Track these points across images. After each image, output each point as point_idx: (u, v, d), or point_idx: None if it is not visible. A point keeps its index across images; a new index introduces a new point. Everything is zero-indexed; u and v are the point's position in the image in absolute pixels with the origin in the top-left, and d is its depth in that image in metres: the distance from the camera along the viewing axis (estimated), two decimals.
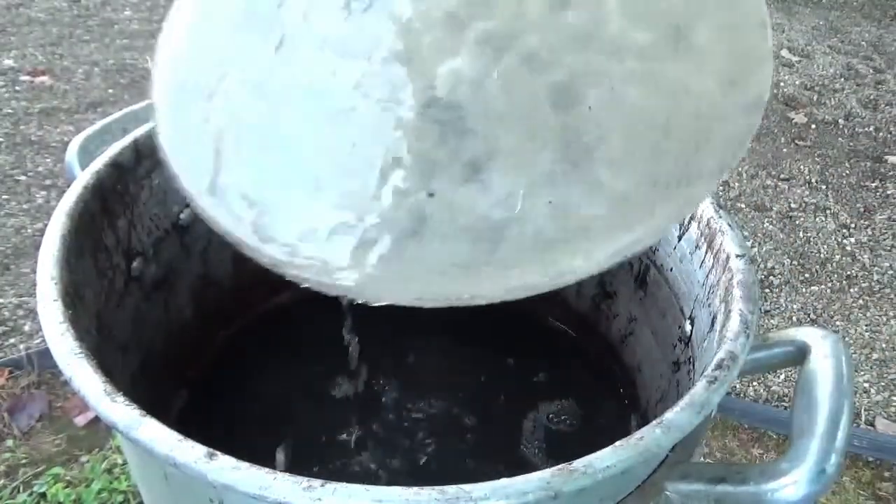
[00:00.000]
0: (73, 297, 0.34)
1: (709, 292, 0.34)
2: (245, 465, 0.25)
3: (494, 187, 0.34)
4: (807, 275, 1.68)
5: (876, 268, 1.72)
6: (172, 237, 0.49)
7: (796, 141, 2.23)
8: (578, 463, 0.25)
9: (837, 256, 1.75)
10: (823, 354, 0.31)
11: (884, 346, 1.50)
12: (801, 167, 2.09)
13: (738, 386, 1.38)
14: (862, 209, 1.93)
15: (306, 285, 0.33)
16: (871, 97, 2.54)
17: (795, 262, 1.72)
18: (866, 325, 1.55)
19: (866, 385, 1.40)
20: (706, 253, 0.37)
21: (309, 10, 0.39)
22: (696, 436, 0.32)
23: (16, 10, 2.66)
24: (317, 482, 0.24)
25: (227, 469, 0.25)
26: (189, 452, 0.26)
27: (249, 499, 0.25)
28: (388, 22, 0.38)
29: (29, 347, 1.32)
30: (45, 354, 1.32)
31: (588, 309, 0.58)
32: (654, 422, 0.27)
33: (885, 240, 1.82)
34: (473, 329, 0.53)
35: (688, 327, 0.37)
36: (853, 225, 1.87)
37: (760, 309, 0.33)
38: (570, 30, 0.37)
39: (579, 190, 0.33)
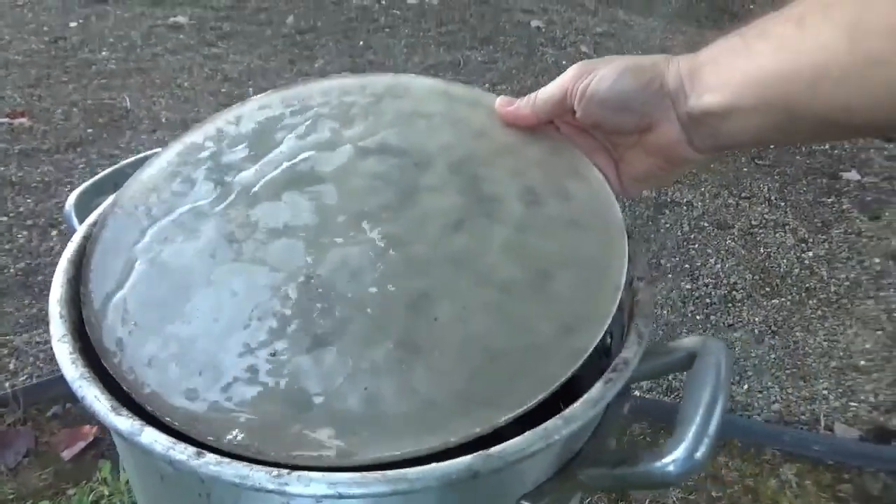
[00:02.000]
0: (80, 331, 0.39)
1: (619, 310, 0.40)
2: (227, 460, 0.31)
3: (326, 363, 0.38)
4: (767, 288, 1.76)
5: (833, 280, 1.80)
6: None
7: (756, 160, 2.33)
8: (494, 449, 0.31)
9: (797, 270, 1.83)
10: (707, 359, 0.37)
11: (841, 354, 1.57)
12: (761, 185, 2.19)
13: None
14: (819, 224, 2.02)
15: None
16: None
17: (757, 277, 1.80)
18: (824, 335, 1.62)
19: (825, 392, 1.47)
20: None
21: (255, 182, 0.47)
22: (604, 430, 0.38)
23: None
24: (284, 471, 0.30)
25: (212, 463, 0.30)
26: (182, 452, 0.31)
27: (231, 486, 0.30)
28: (313, 206, 0.45)
29: (14, 385, 1.34)
30: (30, 391, 1.35)
31: None
32: (557, 415, 0.33)
33: (841, 253, 1.90)
34: None
35: (608, 340, 0.43)
36: (811, 239, 1.95)
37: (654, 323, 0.38)
38: (452, 250, 0.43)
39: (393, 388, 0.37)
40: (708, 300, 1.71)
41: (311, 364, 0.38)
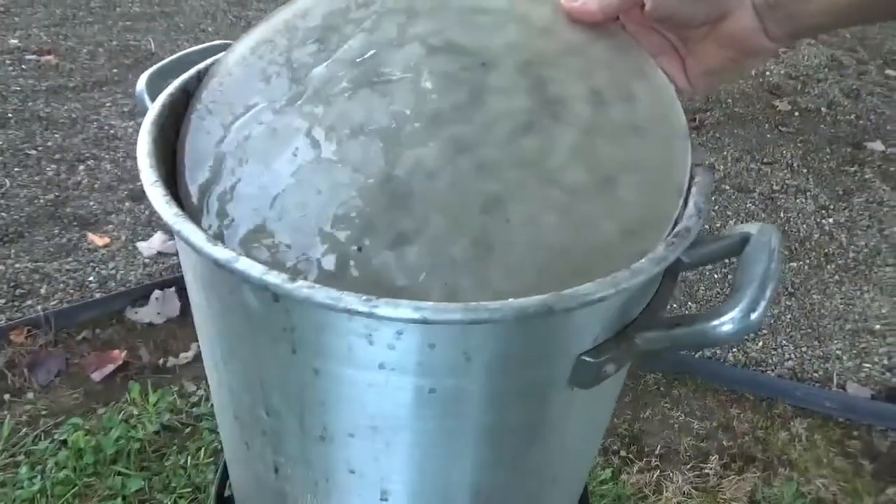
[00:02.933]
0: (167, 178, 0.42)
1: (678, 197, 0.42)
2: (318, 286, 0.33)
3: (409, 259, 0.40)
4: (786, 252, 1.77)
5: (852, 246, 1.81)
6: None
7: (780, 127, 2.32)
8: (567, 291, 0.34)
9: (816, 235, 1.83)
10: (761, 238, 0.39)
11: (856, 317, 1.58)
12: (784, 152, 2.18)
13: (718, 352, 1.46)
14: (841, 192, 2.02)
15: None
16: (854, 87, 2.63)
17: None
18: (841, 299, 1.63)
19: (839, 352, 1.49)
20: None
21: (328, 80, 0.48)
22: (657, 303, 0.40)
23: None
24: (374, 297, 0.32)
25: (305, 287, 0.33)
26: (276, 276, 0.33)
27: (319, 314, 0.32)
28: (386, 105, 0.46)
29: (46, 308, 1.37)
30: (62, 315, 1.39)
31: None
32: (624, 269, 0.35)
33: (861, 220, 1.91)
34: None
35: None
36: (832, 206, 1.95)
37: (711, 199, 0.40)
38: (522, 153, 0.44)
39: (471, 282, 0.39)
40: (726, 260, 1.72)
41: (395, 259, 0.40)
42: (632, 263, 0.38)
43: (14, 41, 2.33)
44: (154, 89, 0.47)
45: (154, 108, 0.45)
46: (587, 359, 0.37)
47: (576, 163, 0.44)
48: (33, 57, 2.25)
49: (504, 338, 0.36)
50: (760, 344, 1.50)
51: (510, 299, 0.33)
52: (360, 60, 0.48)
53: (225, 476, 0.63)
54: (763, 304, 0.34)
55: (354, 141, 0.44)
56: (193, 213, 0.43)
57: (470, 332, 0.35)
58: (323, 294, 0.32)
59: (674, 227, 0.40)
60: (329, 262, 0.39)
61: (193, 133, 0.46)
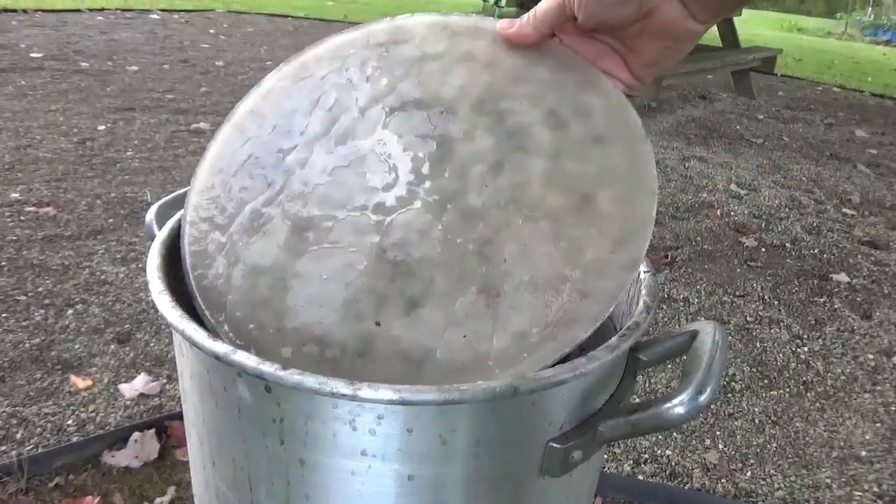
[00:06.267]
0: (172, 287, 0.45)
1: (630, 298, 0.46)
2: (307, 373, 0.35)
3: (426, 321, 0.42)
4: (765, 381, 1.79)
5: (829, 374, 1.84)
6: None
7: (748, 262, 2.42)
8: (531, 374, 0.36)
9: (793, 364, 1.87)
10: (706, 331, 0.42)
11: (842, 444, 1.58)
12: (755, 285, 2.26)
13: (707, 483, 1.44)
14: (813, 321, 2.08)
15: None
16: (814, 224, 2.78)
17: (754, 370, 1.83)
18: (824, 426, 1.64)
19: (828, 481, 1.47)
20: None
21: (301, 165, 0.50)
22: (620, 395, 0.43)
23: (24, 150, 2.87)
24: (358, 382, 0.35)
25: (295, 374, 0.35)
26: (269, 367, 0.36)
27: (311, 394, 0.34)
28: (363, 179, 0.48)
29: (20, 454, 1.34)
30: (36, 460, 1.36)
31: None
32: (583, 356, 0.39)
33: (835, 348, 1.95)
34: None
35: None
36: (805, 336, 2.00)
37: (658, 299, 0.44)
38: (500, 192, 0.46)
39: (489, 327, 0.42)
40: None
41: (413, 324, 0.42)
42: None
43: (15, 195, 2.44)
44: (162, 220, 0.52)
45: (163, 233, 0.50)
46: (555, 445, 0.40)
47: (552, 189, 0.46)
48: (32, 209, 2.34)
49: (477, 421, 0.38)
50: (749, 474, 1.48)
51: (481, 382, 0.36)
52: (325, 141, 0.50)
53: None
54: (710, 387, 0.38)
55: (341, 221, 0.47)
56: (219, 332, 0.44)
57: (445, 415, 0.37)
58: (311, 380, 0.35)
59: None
60: (355, 345, 0.42)
61: (194, 245, 0.48)
